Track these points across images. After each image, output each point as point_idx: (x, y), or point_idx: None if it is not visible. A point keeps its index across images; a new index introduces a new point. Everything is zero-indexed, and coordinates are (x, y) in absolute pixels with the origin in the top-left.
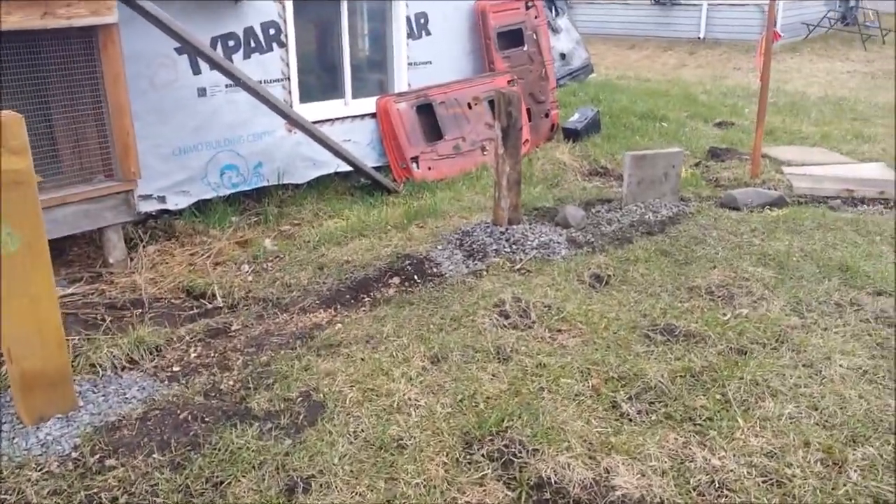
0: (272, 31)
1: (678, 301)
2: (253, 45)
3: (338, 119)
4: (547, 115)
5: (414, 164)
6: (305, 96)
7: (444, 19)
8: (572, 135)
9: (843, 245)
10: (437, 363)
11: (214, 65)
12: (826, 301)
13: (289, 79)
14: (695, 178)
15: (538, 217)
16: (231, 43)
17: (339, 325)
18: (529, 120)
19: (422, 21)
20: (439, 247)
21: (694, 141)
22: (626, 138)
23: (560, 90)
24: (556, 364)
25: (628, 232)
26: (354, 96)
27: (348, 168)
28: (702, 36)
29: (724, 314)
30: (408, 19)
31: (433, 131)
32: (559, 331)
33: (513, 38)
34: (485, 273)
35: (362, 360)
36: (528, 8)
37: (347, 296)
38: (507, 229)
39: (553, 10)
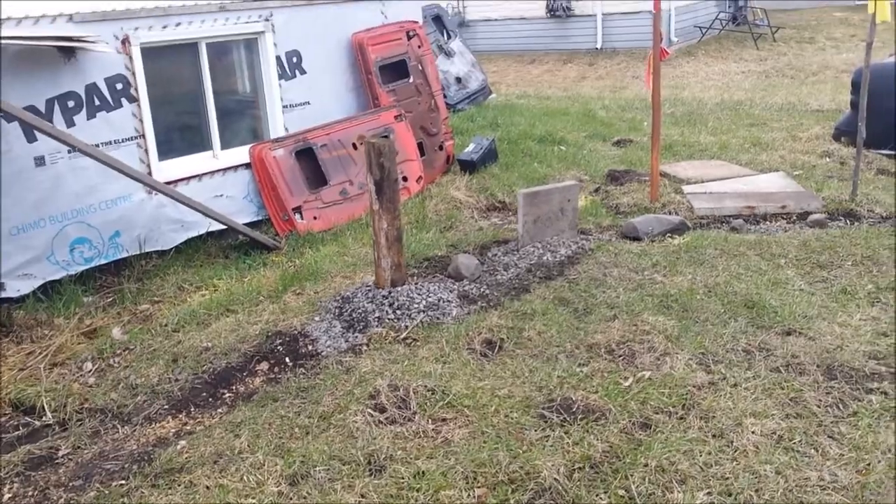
0: (119, 86)
1: (576, 365)
2: (98, 102)
3: (206, 174)
4: (441, 148)
5: (297, 216)
6: (166, 153)
7: (319, 56)
8: (468, 167)
9: (747, 274)
10: (296, 485)
11: (39, 130)
12: (733, 348)
13: (143, 136)
14: (594, 205)
15: (429, 269)
16: (71, 103)
17: (183, 442)
18: (423, 154)
19: (294, 60)
20: (317, 318)
21: (593, 164)
22: (525, 165)
23: (457, 116)
24: (437, 470)
25: (525, 278)
26: (224, 147)
27: (223, 226)
28: (599, 46)
29: (626, 378)
30: (278, 59)
31: (316, 177)
32: (443, 420)
33: (397, 70)
34: (365, 348)
35: (207, 488)
36: (409, 38)
37: (203, 393)
38: (390, 292)
39: (444, 34)
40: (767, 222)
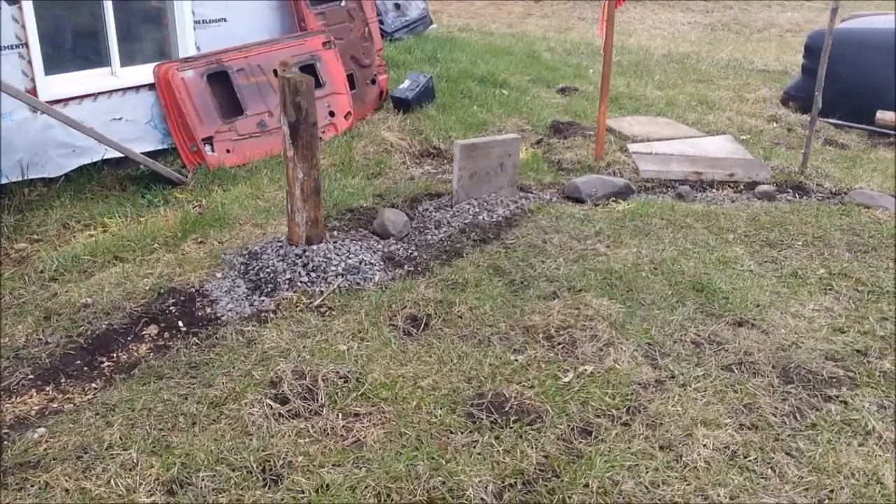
0: None
1: (511, 351)
2: None
3: (103, 93)
4: (374, 82)
5: (207, 147)
6: (54, 66)
7: None
8: (402, 105)
9: (695, 250)
10: (174, 494)
11: None
12: (681, 339)
13: (26, 45)
14: (535, 159)
15: (352, 222)
16: None
17: (43, 429)
18: (353, 87)
19: None
20: (219, 274)
21: (536, 112)
22: (464, 108)
23: (394, 46)
24: (344, 483)
25: (458, 240)
26: (124, 63)
27: (121, 154)
28: None
29: (565, 372)
30: None
31: (232, 105)
32: (356, 416)
33: None
34: (272, 316)
35: (66, 491)
36: None
37: (78, 361)
38: (304, 250)
39: None
40: (714, 190)
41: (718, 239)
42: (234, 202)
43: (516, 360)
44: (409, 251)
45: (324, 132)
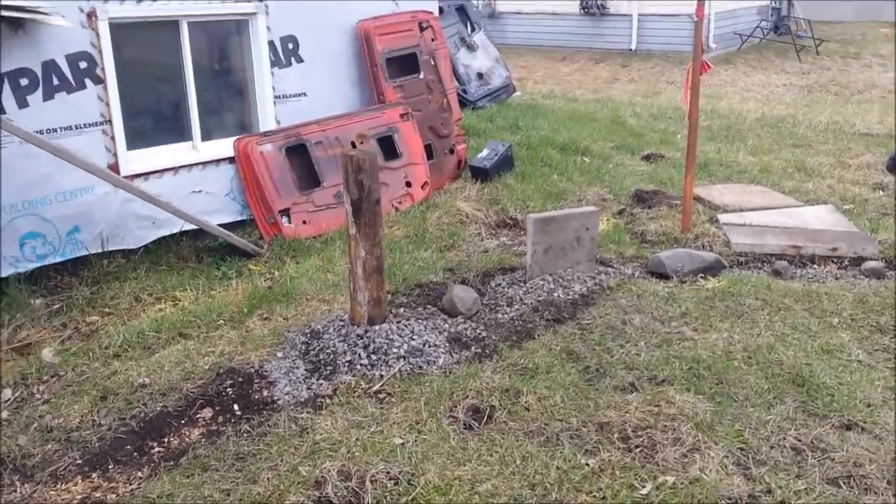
0: (83, 65)
1: (582, 453)
2: (57, 82)
3: (184, 167)
4: (452, 151)
5: (284, 219)
6: (136, 141)
7: (319, 44)
8: (480, 174)
9: (794, 336)
10: None
11: None
12: (779, 443)
13: (110, 122)
14: (617, 231)
15: (420, 298)
16: (24, 81)
17: None
18: (431, 157)
19: (290, 46)
20: (279, 354)
21: (619, 180)
22: (543, 177)
23: (476, 114)
24: None
25: (530, 320)
26: (205, 138)
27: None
28: (634, 47)
29: (643, 482)
30: (271, 44)
31: (309, 177)
32: None
33: (406, 64)
34: (328, 401)
35: None
36: (422, 29)
37: (128, 446)
38: (366, 331)
39: (468, 26)
40: (815, 266)
41: (821, 323)
42: (303, 276)
43: (587, 465)
44: (478, 331)
45: (400, 202)
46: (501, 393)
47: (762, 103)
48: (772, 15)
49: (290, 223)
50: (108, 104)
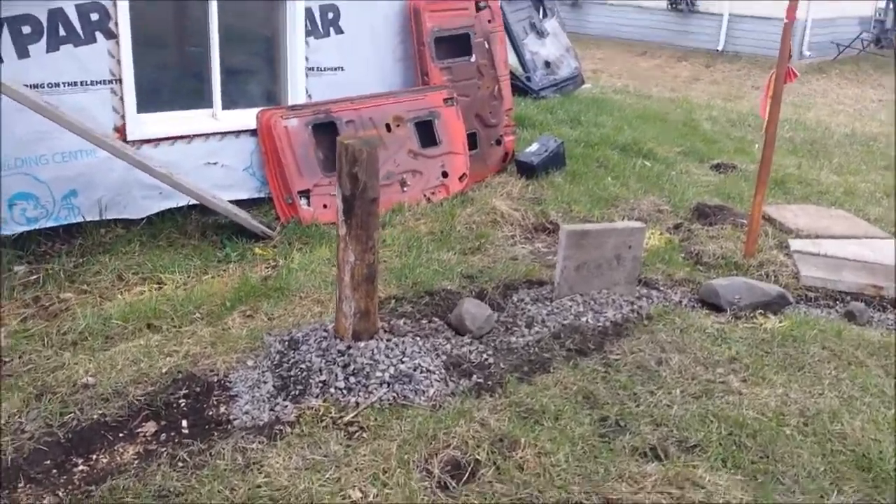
0: (95, 17)
1: None
2: (64, 33)
3: (199, 135)
4: (499, 142)
5: (303, 200)
6: (148, 104)
7: (363, 16)
8: (526, 170)
9: (864, 400)
10: None
11: None
12: None
13: (120, 81)
14: (670, 248)
15: (428, 308)
16: (27, 29)
17: None
18: (474, 147)
19: (330, 15)
20: (250, 362)
21: (680, 190)
22: (596, 179)
23: (536, 105)
24: None
25: (549, 348)
26: (227, 106)
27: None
28: (721, 48)
29: None
30: (308, 11)
31: (336, 158)
32: None
33: (457, 45)
34: (289, 430)
35: None
36: (479, 9)
37: (47, 461)
38: (349, 347)
39: (541, 11)
40: None
41: None
42: (307, 268)
43: None
44: (484, 356)
45: (433, 193)
46: (493, 442)
47: (853, 118)
48: (874, 27)
49: (308, 206)
50: (119, 62)
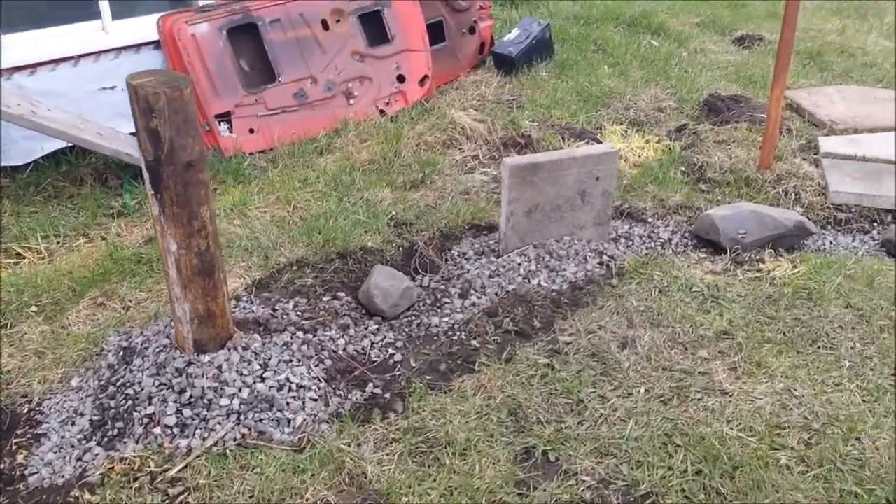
0: None
1: None
2: None
3: (87, 55)
4: (472, 30)
5: (223, 126)
6: (15, 20)
7: None
8: (504, 63)
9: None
10: None
11: None
12: None
13: None
14: (668, 160)
15: (334, 278)
16: None
17: None
18: (442, 40)
19: None
20: (75, 381)
21: (691, 77)
22: (590, 69)
23: None
24: None
25: (479, 331)
26: (119, 15)
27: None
28: None
29: None
30: None
31: (262, 70)
32: None
33: None
34: (88, 497)
35: None
36: None
37: None
38: (190, 363)
39: None
40: None
41: None
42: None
43: None
44: (390, 351)
45: (388, 103)
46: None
47: None
48: None
49: (230, 132)
50: None
